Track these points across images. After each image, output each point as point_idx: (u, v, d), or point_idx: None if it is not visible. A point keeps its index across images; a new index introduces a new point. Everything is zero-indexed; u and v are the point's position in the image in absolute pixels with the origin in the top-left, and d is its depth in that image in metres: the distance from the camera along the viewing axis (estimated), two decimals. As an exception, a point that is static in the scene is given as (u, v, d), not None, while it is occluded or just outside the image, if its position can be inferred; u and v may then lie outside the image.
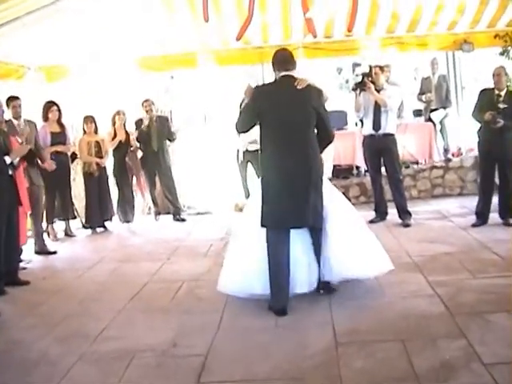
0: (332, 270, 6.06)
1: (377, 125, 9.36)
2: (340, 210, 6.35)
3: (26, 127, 8.78)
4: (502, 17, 11.33)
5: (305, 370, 4.48)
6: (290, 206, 5.75)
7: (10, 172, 7.35)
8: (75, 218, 10.90)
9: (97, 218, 10.92)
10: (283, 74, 5.93)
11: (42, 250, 9.25)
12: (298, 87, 5.81)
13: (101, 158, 10.85)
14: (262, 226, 5.84)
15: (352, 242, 6.20)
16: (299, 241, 6.03)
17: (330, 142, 6.21)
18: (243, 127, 6.19)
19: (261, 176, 6.06)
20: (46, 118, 10.15)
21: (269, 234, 5.83)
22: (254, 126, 6.11)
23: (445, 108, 12.35)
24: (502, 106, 8.45)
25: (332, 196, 6.37)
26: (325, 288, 6.08)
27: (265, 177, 5.96)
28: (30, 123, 9.15)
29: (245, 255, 6.09)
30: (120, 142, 11.11)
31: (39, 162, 9.04)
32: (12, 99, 8.94)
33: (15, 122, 8.82)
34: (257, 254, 5.95)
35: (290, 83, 5.86)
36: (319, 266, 6.01)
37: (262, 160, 6.06)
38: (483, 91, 8.86)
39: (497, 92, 8.65)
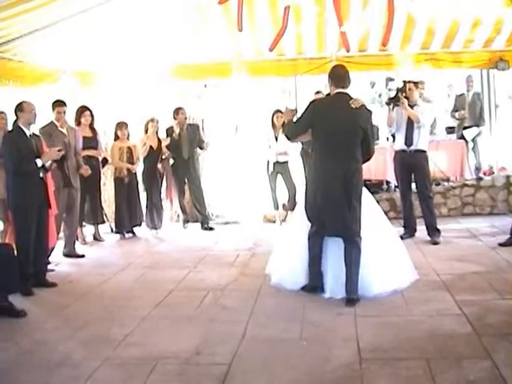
0: (364, 285, 6.36)
1: (409, 140, 9.32)
2: (374, 223, 6.69)
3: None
4: (538, 36, 11.26)
5: (327, 384, 4.46)
6: (330, 216, 6.29)
7: (41, 174, 7.43)
8: (104, 222, 10.96)
9: (126, 223, 10.97)
10: (339, 90, 6.36)
11: (71, 253, 9.30)
12: (352, 106, 6.23)
13: (132, 164, 10.91)
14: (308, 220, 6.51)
15: (384, 258, 6.54)
16: (335, 248, 6.44)
17: (370, 159, 6.58)
18: (294, 136, 6.80)
19: (307, 186, 6.66)
20: (78, 123, 10.22)
21: (310, 232, 6.47)
22: (300, 135, 6.72)
23: (478, 126, 12.27)
24: None
25: (368, 207, 6.58)
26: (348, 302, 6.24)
27: (311, 183, 6.55)
28: (71, 129, 9.24)
29: (290, 250, 6.86)
30: (151, 148, 11.13)
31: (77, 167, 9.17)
32: (57, 105, 9.04)
33: (58, 124, 8.96)
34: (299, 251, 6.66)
35: (343, 101, 6.29)
36: (347, 278, 6.28)
37: (310, 170, 6.75)
38: None
39: None
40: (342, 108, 6.26)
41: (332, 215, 6.28)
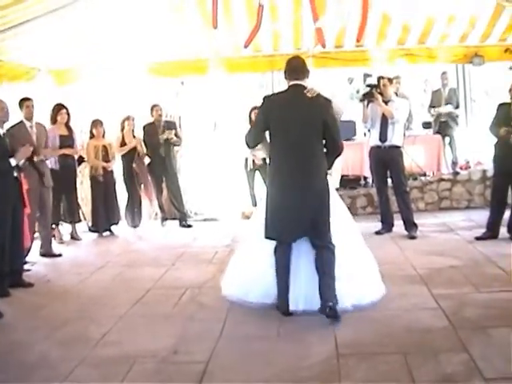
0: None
1: (383, 136, 9.35)
2: (342, 231, 6.25)
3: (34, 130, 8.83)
4: (513, 31, 11.35)
5: (304, 380, 4.46)
6: (292, 219, 5.75)
7: (16, 174, 7.37)
8: (81, 221, 10.92)
9: (103, 222, 10.94)
10: (293, 82, 5.90)
11: (47, 253, 9.26)
12: (308, 95, 5.78)
13: (108, 162, 10.87)
14: (266, 237, 5.91)
15: (353, 266, 6.20)
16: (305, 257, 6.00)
17: (339, 155, 6.10)
18: (253, 141, 6.13)
19: (266, 186, 6.08)
20: (54, 121, 10.18)
21: (276, 244, 5.91)
22: (260, 139, 6.11)
23: (455, 121, 12.34)
24: None
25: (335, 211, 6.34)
26: (329, 315, 5.67)
27: (269, 187, 5.98)
28: (40, 126, 9.17)
29: (247, 263, 6.22)
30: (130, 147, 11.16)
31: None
32: (25, 100, 8.92)
33: (27, 123, 8.80)
34: (257, 263, 6.12)
35: (299, 92, 5.84)
36: (320, 288, 5.77)
37: (268, 170, 6.06)
38: (501, 105, 8.80)
39: None
40: (298, 101, 5.81)
41: (296, 217, 5.74)
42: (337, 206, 6.36)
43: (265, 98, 6.07)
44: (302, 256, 5.99)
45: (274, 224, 5.84)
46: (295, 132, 5.73)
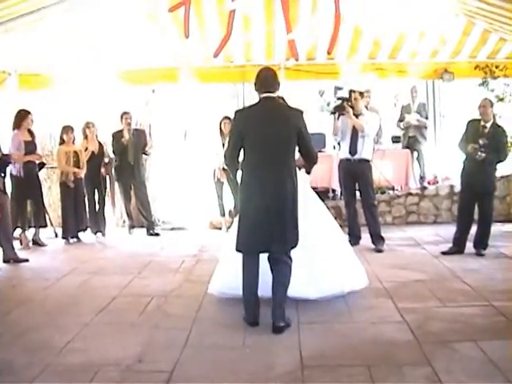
0: (310, 286, 6.30)
1: (353, 149, 9.40)
2: (322, 224, 6.63)
3: None
4: (483, 48, 11.50)
5: (269, 391, 4.46)
6: (262, 232, 5.74)
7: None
8: (47, 226, 10.83)
9: (71, 228, 10.85)
10: (264, 95, 5.86)
11: (9, 258, 9.15)
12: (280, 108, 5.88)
13: (78, 168, 10.80)
14: (237, 250, 5.91)
15: (333, 258, 6.52)
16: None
17: (314, 163, 6.18)
18: (232, 158, 6.00)
19: (239, 197, 6.05)
20: (18, 126, 10.08)
21: (243, 257, 5.89)
22: (239, 155, 5.99)
23: (423, 136, 12.45)
24: (481, 141, 8.49)
25: (314, 206, 6.54)
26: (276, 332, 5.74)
27: (241, 199, 5.97)
28: None
29: (234, 261, 6.14)
30: (93, 153, 11.09)
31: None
32: None
33: None
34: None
35: (271, 105, 5.85)
36: (276, 303, 5.82)
37: (240, 181, 6.00)
38: (470, 122, 8.89)
39: (482, 123, 8.69)
40: (271, 113, 5.80)
41: (269, 234, 5.71)
42: (313, 201, 6.79)
43: (236, 113, 6.05)
44: None
45: (244, 237, 5.85)
46: (269, 145, 5.70)
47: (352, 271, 6.77)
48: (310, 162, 6.15)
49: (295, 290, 6.17)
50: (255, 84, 5.96)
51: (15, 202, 10.04)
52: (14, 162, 9.86)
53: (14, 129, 10.12)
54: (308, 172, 6.40)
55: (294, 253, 5.89)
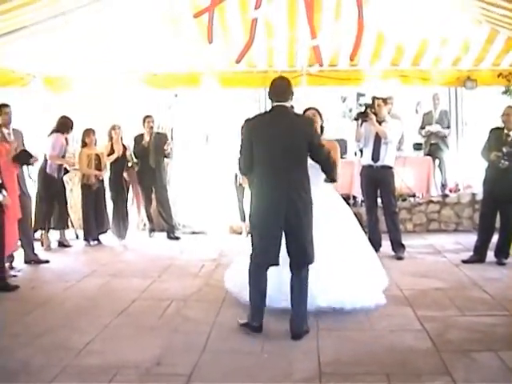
0: (328, 295, 6.23)
1: (376, 156, 9.38)
2: (346, 233, 6.65)
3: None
4: (506, 56, 11.41)
5: (286, 398, 4.46)
6: (272, 243, 5.74)
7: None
8: (68, 228, 10.91)
9: (92, 230, 10.92)
10: (276, 104, 5.87)
11: (31, 259, 9.21)
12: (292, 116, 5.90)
13: (100, 170, 10.87)
14: (252, 261, 5.89)
15: (354, 269, 6.47)
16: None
17: (333, 170, 6.09)
18: (245, 167, 6.03)
19: (251, 206, 6.00)
20: (62, 131, 10.38)
21: (251, 265, 5.88)
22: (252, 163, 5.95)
23: (445, 143, 12.40)
24: (505, 149, 8.44)
25: (339, 213, 6.68)
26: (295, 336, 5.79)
27: (253, 208, 5.92)
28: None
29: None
30: (117, 156, 11.15)
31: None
32: (2, 106, 8.83)
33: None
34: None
35: (282, 114, 5.85)
36: (296, 313, 5.85)
37: (252, 191, 6.03)
38: (493, 130, 8.85)
39: (506, 132, 8.64)
40: (281, 122, 5.77)
41: (275, 242, 5.73)
42: (343, 210, 6.82)
43: (246, 122, 6.06)
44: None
45: (257, 248, 5.85)
46: (279, 154, 5.68)
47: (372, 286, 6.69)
48: (327, 169, 6.07)
49: (326, 298, 6.21)
50: (269, 92, 6.00)
51: (43, 203, 10.17)
52: (50, 162, 10.15)
53: (57, 131, 10.33)
54: (331, 180, 6.30)
55: (321, 262, 5.97)
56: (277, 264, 5.79)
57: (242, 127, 6.07)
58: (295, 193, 5.67)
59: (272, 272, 5.89)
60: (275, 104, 5.88)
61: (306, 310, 5.87)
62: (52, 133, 10.32)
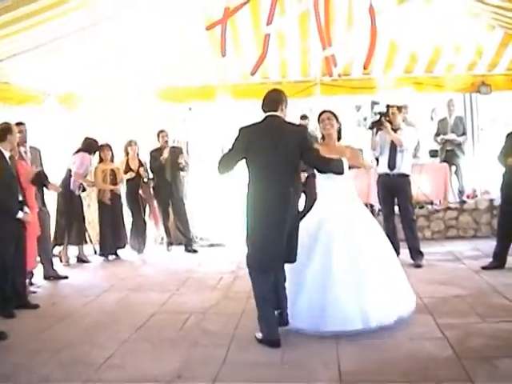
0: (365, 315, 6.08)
1: (392, 164, 9.35)
2: (377, 250, 6.55)
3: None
4: (521, 60, 11.37)
5: (308, 408, 4.44)
6: (271, 249, 5.81)
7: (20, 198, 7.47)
8: (87, 243, 10.95)
9: (109, 245, 10.97)
10: (269, 114, 6.02)
11: (50, 275, 9.26)
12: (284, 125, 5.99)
13: (115, 185, 10.92)
14: (248, 266, 6.00)
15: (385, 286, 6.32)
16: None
17: (333, 171, 6.10)
18: (226, 168, 6.10)
19: (245, 215, 6.04)
20: (89, 152, 10.68)
21: (252, 274, 5.95)
22: (233, 167, 6.11)
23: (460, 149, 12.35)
24: None
25: (369, 230, 6.59)
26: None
27: (248, 216, 5.98)
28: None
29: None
30: (133, 171, 11.24)
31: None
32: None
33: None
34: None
35: (275, 123, 5.98)
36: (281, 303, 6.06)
37: (246, 198, 6.03)
38: (509, 135, 8.81)
39: None
40: (275, 131, 5.92)
41: (278, 251, 5.84)
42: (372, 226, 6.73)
43: (241, 129, 6.08)
44: (307, 274, 6.15)
45: (255, 254, 5.91)
46: (269, 160, 5.83)
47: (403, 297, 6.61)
48: (326, 170, 6.19)
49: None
50: (262, 103, 6.16)
51: (63, 219, 10.26)
52: (75, 180, 10.33)
53: (84, 151, 10.57)
54: (339, 171, 6.10)
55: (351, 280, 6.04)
56: (280, 268, 6.00)
57: (238, 133, 6.08)
58: (288, 197, 5.84)
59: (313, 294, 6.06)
60: (268, 114, 6.03)
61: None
62: (79, 151, 10.42)
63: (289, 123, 6.10)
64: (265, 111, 6.07)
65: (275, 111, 6.01)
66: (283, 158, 5.83)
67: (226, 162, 6.08)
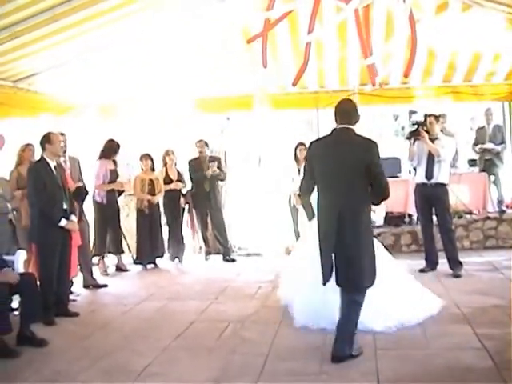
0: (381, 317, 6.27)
1: (429, 174, 9.31)
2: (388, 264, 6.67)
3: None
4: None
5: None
6: (325, 262, 5.74)
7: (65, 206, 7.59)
8: (124, 252, 11.03)
9: (147, 254, 11.04)
10: (342, 126, 5.82)
11: (89, 284, 9.38)
12: (354, 138, 5.77)
13: (153, 195, 11.01)
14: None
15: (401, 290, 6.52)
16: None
17: (385, 199, 5.86)
18: (306, 190, 6.15)
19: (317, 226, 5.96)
20: (107, 156, 10.47)
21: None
22: (313, 188, 6.02)
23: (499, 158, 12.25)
24: None
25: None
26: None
27: (317, 232, 5.89)
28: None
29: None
30: (171, 181, 11.32)
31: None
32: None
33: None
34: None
35: (344, 136, 5.79)
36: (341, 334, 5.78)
37: (316, 213, 6.04)
38: None
39: None
40: (342, 145, 5.73)
41: (328, 261, 5.72)
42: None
43: (311, 144, 6.08)
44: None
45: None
46: (337, 174, 5.69)
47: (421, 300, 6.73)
48: (378, 196, 5.84)
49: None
50: (335, 113, 5.92)
51: (97, 229, 10.34)
52: (99, 191, 10.27)
53: (100, 157, 10.48)
54: (374, 203, 6.16)
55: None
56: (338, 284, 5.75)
57: (308, 148, 6.13)
58: (350, 213, 5.61)
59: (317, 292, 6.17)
60: (340, 126, 5.84)
61: (352, 334, 5.73)
62: (99, 158, 10.49)
63: (360, 137, 5.88)
64: (336, 122, 5.88)
65: (346, 124, 5.79)
66: (348, 173, 5.64)
67: (305, 187, 6.13)
